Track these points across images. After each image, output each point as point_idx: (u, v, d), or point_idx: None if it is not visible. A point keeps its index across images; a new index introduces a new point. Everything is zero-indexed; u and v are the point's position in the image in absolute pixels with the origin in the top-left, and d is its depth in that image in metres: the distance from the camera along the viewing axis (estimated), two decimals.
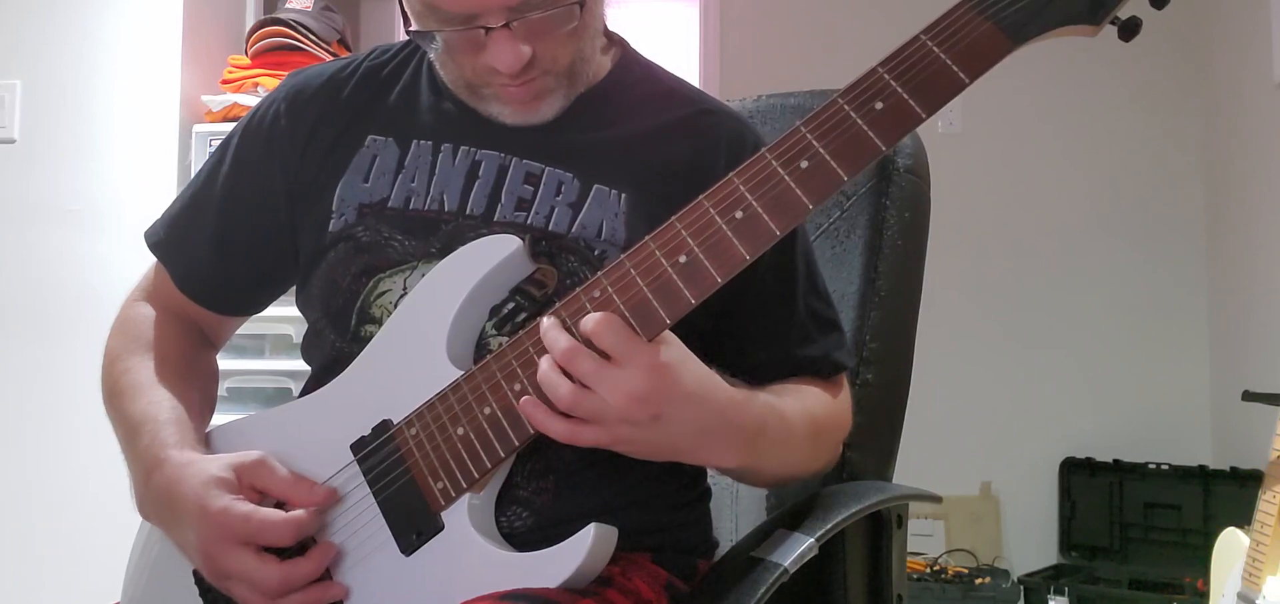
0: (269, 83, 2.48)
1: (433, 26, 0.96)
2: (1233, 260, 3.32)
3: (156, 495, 0.97)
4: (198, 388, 1.09)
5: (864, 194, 1.25)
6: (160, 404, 1.02)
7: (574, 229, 0.99)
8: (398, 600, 0.92)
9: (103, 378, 1.09)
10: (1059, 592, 3.08)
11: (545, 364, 0.86)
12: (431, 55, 1.04)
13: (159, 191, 2.43)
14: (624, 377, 0.83)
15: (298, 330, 1.33)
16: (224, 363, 1.20)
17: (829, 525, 0.97)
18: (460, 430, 0.91)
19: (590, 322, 0.84)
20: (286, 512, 0.92)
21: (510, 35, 0.94)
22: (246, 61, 2.59)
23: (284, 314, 1.30)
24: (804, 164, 0.84)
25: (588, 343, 0.84)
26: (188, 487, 0.93)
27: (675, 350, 0.86)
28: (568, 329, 0.86)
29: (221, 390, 1.17)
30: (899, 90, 0.83)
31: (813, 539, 0.94)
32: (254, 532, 0.90)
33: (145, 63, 2.53)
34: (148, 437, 0.99)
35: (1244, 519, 2.08)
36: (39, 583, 2.43)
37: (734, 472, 0.96)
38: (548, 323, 0.87)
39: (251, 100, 2.43)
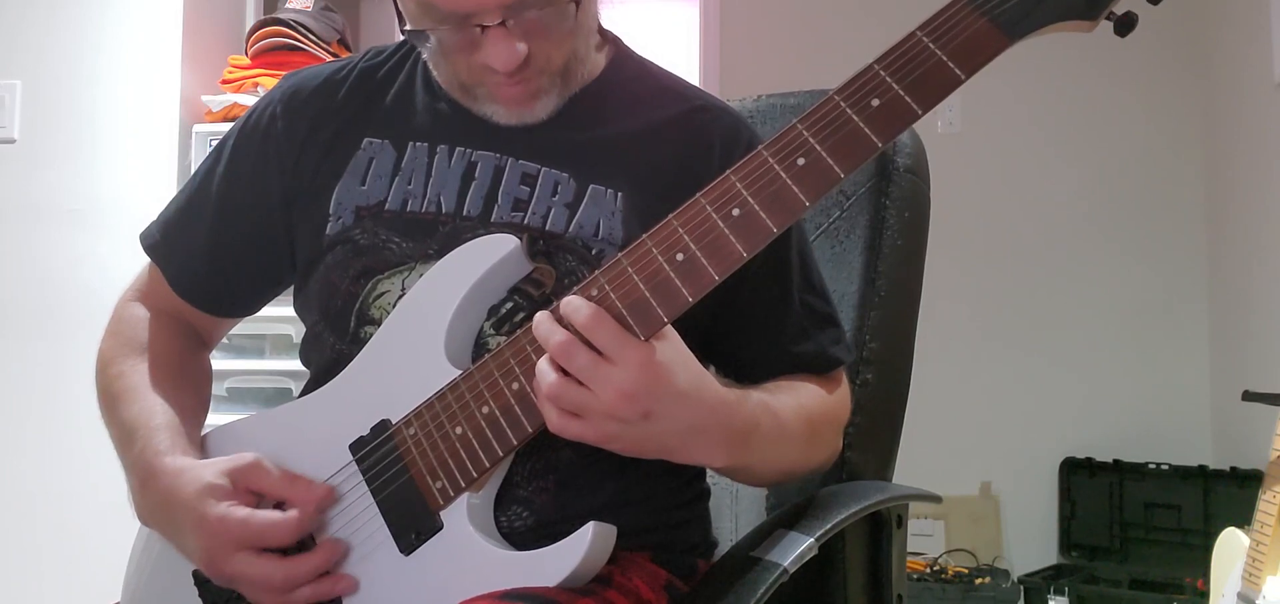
0: (269, 83, 2.48)
1: (428, 26, 0.96)
2: (1233, 260, 3.31)
3: (154, 504, 0.97)
4: (192, 390, 1.09)
5: (863, 194, 1.25)
6: (153, 409, 1.02)
7: (571, 229, 0.99)
8: (397, 600, 0.92)
9: (97, 381, 1.09)
10: (1059, 592, 3.08)
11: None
12: (425, 54, 1.04)
13: (159, 191, 2.43)
14: (615, 373, 0.83)
15: (298, 330, 1.33)
16: (223, 363, 1.20)
17: (829, 525, 0.97)
18: (459, 430, 0.91)
19: (582, 314, 0.84)
20: (285, 512, 0.92)
21: (506, 34, 0.94)
22: (246, 61, 2.59)
23: (284, 314, 1.30)
24: (801, 161, 0.84)
25: (582, 337, 0.84)
26: (183, 495, 0.93)
27: (670, 350, 0.86)
28: (560, 323, 0.86)
29: (221, 390, 1.17)
30: (895, 87, 0.83)
31: (812, 539, 0.94)
32: (254, 535, 0.91)
33: (145, 63, 2.53)
34: (140, 443, 0.99)
35: (1244, 519, 2.08)
36: (39, 583, 2.43)
37: (726, 470, 0.96)
38: (541, 316, 0.87)
39: (251, 100, 2.43)
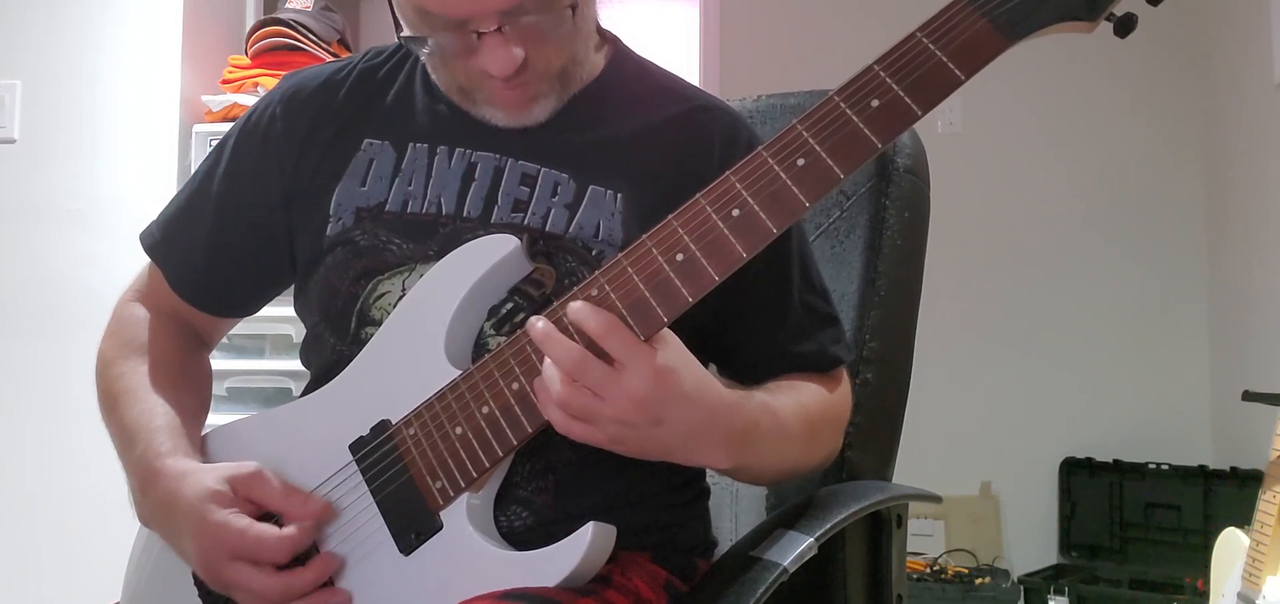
0: (269, 83, 2.48)
1: (425, 32, 0.96)
2: (1233, 260, 3.31)
3: (154, 506, 0.97)
4: (192, 391, 1.09)
5: (864, 194, 1.25)
6: (154, 411, 1.02)
7: (571, 230, 0.99)
8: (397, 600, 0.92)
9: (97, 382, 1.09)
10: (1059, 592, 3.08)
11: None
12: (422, 57, 1.04)
13: (159, 191, 2.43)
14: (627, 381, 0.83)
15: (298, 330, 1.33)
16: (223, 363, 1.20)
17: (829, 525, 0.97)
18: (458, 430, 0.91)
19: (592, 322, 0.84)
20: (282, 529, 0.92)
21: (503, 39, 0.94)
22: (246, 61, 2.59)
23: (284, 314, 1.30)
24: (800, 162, 0.84)
25: (580, 336, 0.84)
26: (184, 499, 0.93)
27: (674, 354, 0.86)
28: (563, 328, 0.86)
29: (221, 390, 1.17)
30: (895, 88, 0.83)
31: (812, 539, 0.94)
32: (250, 548, 0.91)
33: (145, 63, 2.53)
34: (142, 445, 0.99)
35: (1244, 519, 2.08)
36: (39, 582, 2.43)
37: (727, 471, 0.96)
38: (546, 327, 0.86)
39: (251, 100, 2.43)
